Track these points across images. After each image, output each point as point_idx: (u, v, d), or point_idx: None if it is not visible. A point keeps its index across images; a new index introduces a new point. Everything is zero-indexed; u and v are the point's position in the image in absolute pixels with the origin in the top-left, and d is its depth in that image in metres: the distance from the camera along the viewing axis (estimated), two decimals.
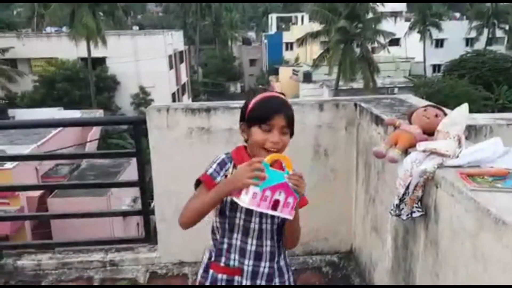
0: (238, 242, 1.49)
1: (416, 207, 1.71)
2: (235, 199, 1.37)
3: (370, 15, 24.45)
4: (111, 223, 11.07)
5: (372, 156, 2.12)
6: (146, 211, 3.01)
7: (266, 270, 1.51)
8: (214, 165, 1.49)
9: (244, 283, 1.49)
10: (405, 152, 1.77)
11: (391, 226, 2.09)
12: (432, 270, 1.69)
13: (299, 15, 48.32)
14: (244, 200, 1.33)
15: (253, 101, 1.48)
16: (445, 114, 1.83)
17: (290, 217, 1.38)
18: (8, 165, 10.85)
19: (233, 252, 1.50)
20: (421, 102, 2.62)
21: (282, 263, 1.56)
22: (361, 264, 2.82)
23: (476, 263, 1.34)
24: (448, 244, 1.54)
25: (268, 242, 1.51)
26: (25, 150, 12.27)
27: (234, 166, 1.47)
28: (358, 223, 2.86)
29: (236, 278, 1.50)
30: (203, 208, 1.46)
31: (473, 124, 2.10)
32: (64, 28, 29.99)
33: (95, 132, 16.93)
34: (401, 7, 45.97)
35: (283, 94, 1.54)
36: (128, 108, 24.97)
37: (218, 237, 1.54)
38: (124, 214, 7.91)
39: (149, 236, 3.04)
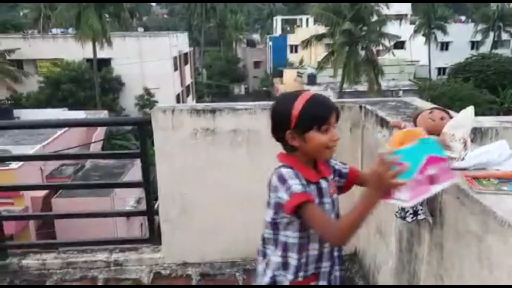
0: (316, 252, 1.47)
1: (421, 209, 1.71)
2: (391, 201, 1.28)
3: (375, 17, 24.43)
4: (115, 223, 11.09)
5: (377, 158, 2.11)
6: (150, 212, 3.02)
7: (335, 260, 1.52)
8: (293, 180, 1.37)
9: (321, 284, 1.49)
10: None
11: (395, 228, 2.09)
12: (436, 273, 1.68)
13: (304, 17, 48.33)
14: (404, 198, 1.24)
15: (300, 105, 1.37)
16: (451, 117, 1.82)
17: (455, 180, 1.31)
18: (13, 165, 10.91)
19: (311, 263, 1.47)
20: (426, 105, 2.62)
21: (338, 253, 1.56)
22: (365, 266, 2.81)
23: (482, 266, 1.33)
24: (453, 247, 1.53)
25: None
26: (30, 150, 12.34)
27: (303, 179, 1.40)
28: (362, 226, 2.85)
29: (312, 283, 1.49)
30: (362, 223, 1.34)
31: (478, 126, 2.10)
32: (70, 30, 30.18)
33: (99, 133, 17.01)
34: (406, 9, 45.89)
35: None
36: (133, 109, 25.06)
37: (292, 253, 1.45)
38: (128, 214, 7.95)
39: (153, 237, 3.05)
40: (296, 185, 1.35)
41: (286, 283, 1.47)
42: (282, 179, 1.38)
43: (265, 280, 1.51)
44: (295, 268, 1.45)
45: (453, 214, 1.52)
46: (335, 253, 1.53)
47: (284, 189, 1.36)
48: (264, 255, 1.54)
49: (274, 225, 1.47)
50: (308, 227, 1.41)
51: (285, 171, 1.39)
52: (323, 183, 1.46)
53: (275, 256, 1.48)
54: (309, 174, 1.42)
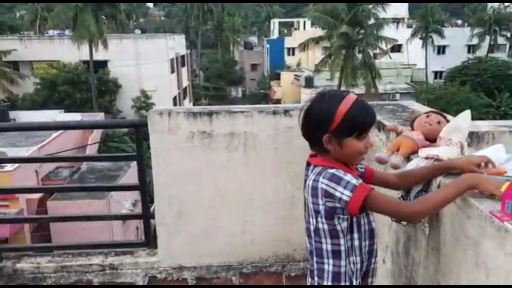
0: (367, 248, 1.44)
1: None
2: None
3: (372, 21, 24.54)
4: (111, 226, 11.05)
5: (373, 162, 2.11)
6: (146, 215, 3.00)
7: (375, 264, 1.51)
8: (348, 176, 1.31)
9: (371, 282, 1.48)
10: (407, 159, 1.77)
11: (392, 232, 2.08)
12: (433, 277, 1.67)
13: (301, 20, 48.49)
14: None
15: (345, 109, 1.31)
16: (448, 121, 1.82)
17: None
18: (9, 167, 10.85)
19: (366, 260, 1.45)
20: (423, 109, 2.62)
21: None
22: None
23: (479, 271, 1.32)
24: (450, 252, 1.53)
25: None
26: (26, 152, 12.29)
27: None
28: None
29: (369, 279, 1.48)
30: (446, 202, 1.35)
31: (475, 130, 2.09)
32: (66, 31, 30.13)
33: (95, 135, 16.95)
34: (404, 13, 46.13)
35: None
36: (129, 112, 25.01)
37: (355, 257, 1.41)
38: (124, 218, 7.91)
39: (149, 240, 3.03)
40: (353, 179, 1.30)
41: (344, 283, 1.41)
42: (336, 179, 1.30)
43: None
44: (363, 272, 1.44)
45: (450, 218, 1.52)
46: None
47: (342, 186, 1.29)
48: (321, 271, 1.43)
49: (332, 234, 1.39)
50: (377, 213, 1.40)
51: (335, 171, 1.32)
52: None
53: (345, 266, 1.40)
54: (352, 174, 1.36)
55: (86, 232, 8.14)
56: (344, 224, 1.37)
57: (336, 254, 1.40)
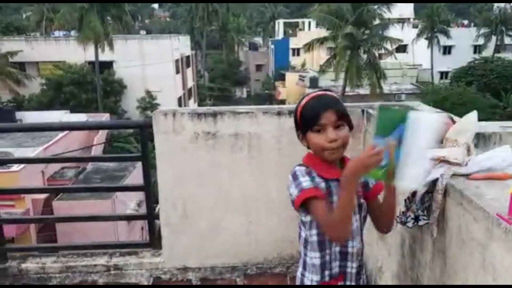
0: (338, 248, 1.45)
1: (422, 215, 1.69)
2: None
3: (377, 21, 24.46)
4: (116, 226, 11.09)
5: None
6: (150, 216, 3.00)
7: (356, 269, 1.50)
8: (304, 177, 1.39)
9: (347, 283, 1.48)
10: None
11: (398, 234, 2.07)
12: (439, 280, 1.66)
13: (306, 21, 48.44)
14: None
15: (300, 106, 1.43)
16: (454, 122, 1.81)
17: None
18: (15, 167, 10.93)
19: (335, 260, 1.46)
20: (429, 109, 2.60)
21: (364, 260, 1.58)
22: (367, 272, 2.79)
23: (485, 274, 1.31)
24: (456, 254, 1.51)
25: (359, 239, 1.50)
26: (32, 152, 12.36)
27: (318, 176, 1.42)
28: (364, 231, 2.83)
29: (340, 283, 1.48)
30: (350, 211, 1.36)
31: (482, 131, 2.08)
32: (72, 32, 30.30)
33: (101, 135, 17.03)
34: (409, 13, 45.95)
35: (329, 90, 1.51)
36: (134, 112, 25.10)
37: (314, 252, 1.46)
38: (129, 218, 7.90)
39: (154, 241, 3.03)
40: (305, 182, 1.38)
41: (308, 283, 1.47)
42: (295, 177, 1.41)
43: (297, 281, 1.53)
44: (320, 267, 1.46)
45: (456, 220, 1.50)
46: (359, 246, 1.50)
47: (295, 185, 1.40)
48: (300, 257, 1.55)
49: (302, 224, 1.49)
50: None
51: (298, 169, 1.42)
52: None
53: (303, 256, 1.50)
54: (325, 171, 1.42)
55: (91, 232, 8.17)
56: (305, 218, 1.46)
57: (304, 244, 1.49)
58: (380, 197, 1.55)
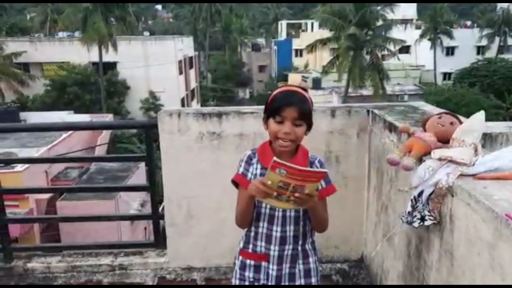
0: (264, 230, 1.61)
1: (428, 215, 1.68)
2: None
3: (380, 22, 24.42)
4: (119, 226, 11.10)
5: (384, 164, 2.09)
6: (155, 216, 3.01)
7: (290, 252, 1.62)
8: (243, 164, 1.63)
9: (270, 267, 1.62)
10: (420, 160, 1.75)
11: (403, 234, 2.06)
12: (446, 280, 1.65)
13: (309, 21, 48.41)
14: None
15: (272, 94, 1.59)
16: (461, 122, 1.80)
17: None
18: (19, 167, 10.97)
19: (259, 240, 1.63)
20: (435, 110, 2.59)
21: (307, 246, 1.66)
22: (372, 272, 2.78)
23: (494, 274, 1.30)
24: (464, 254, 1.51)
25: (292, 228, 1.61)
26: (36, 152, 12.41)
27: (259, 162, 1.61)
28: (369, 231, 2.83)
29: (263, 263, 1.63)
30: (242, 210, 1.60)
31: (488, 132, 2.07)
32: (76, 33, 30.41)
33: (104, 136, 17.07)
34: (412, 14, 45.86)
35: (303, 88, 1.62)
36: (137, 113, 25.17)
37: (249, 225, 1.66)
38: (133, 218, 7.94)
39: (158, 241, 3.03)
40: (241, 167, 1.62)
41: (237, 250, 1.71)
42: (240, 160, 1.65)
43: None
44: (245, 238, 1.68)
45: (464, 220, 1.49)
46: (299, 246, 1.63)
47: (237, 167, 1.65)
48: None
49: None
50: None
51: (246, 154, 1.66)
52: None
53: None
54: (265, 159, 1.57)
55: (94, 232, 8.19)
56: None
57: None
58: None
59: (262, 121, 1.64)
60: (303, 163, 1.55)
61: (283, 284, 1.62)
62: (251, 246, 1.64)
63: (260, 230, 1.61)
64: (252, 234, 1.64)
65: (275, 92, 1.59)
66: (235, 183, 1.64)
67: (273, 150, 1.58)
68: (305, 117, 1.53)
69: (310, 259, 1.66)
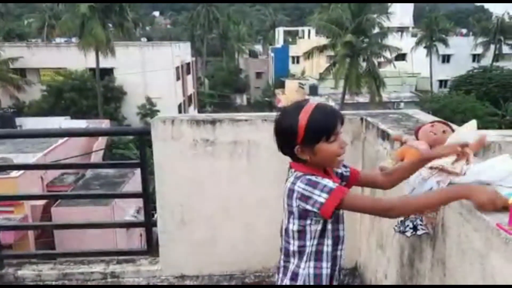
0: (336, 252, 1.46)
1: (420, 224, 1.68)
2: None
3: (377, 30, 24.58)
4: (115, 232, 11.02)
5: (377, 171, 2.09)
6: (148, 223, 2.98)
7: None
8: (325, 180, 1.35)
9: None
10: None
11: (396, 243, 2.05)
12: None
13: (306, 29, 48.67)
14: None
15: (305, 119, 1.34)
16: (453, 130, 1.80)
17: None
18: (14, 173, 10.90)
19: (337, 264, 1.48)
20: (428, 118, 2.59)
21: None
22: (366, 281, 2.76)
23: (485, 284, 1.29)
24: (456, 264, 1.50)
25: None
26: (32, 158, 12.33)
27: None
28: (363, 240, 2.82)
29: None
30: (429, 206, 1.47)
31: None
32: (73, 39, 30.43)
33: (101, 142, 17.00)
34: (408, 22, 46.20)
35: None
36: (134, 119, 25.11)
37: (325, 262, 1.43)
38: (127, 225, 7.88)
39: (151, 248, 3.01)
40: (329, 183, 1.34)
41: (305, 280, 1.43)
42: (313, 183, 1.34)
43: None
44: (328, 277, 1.43)
45: (456, 230, 1.49)
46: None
47: (319, 190, 1.33)
48: (286, 269, 1.46)
49: (301, 235, 1.42)
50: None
51: (310, 177, 1.36)
52: None
53: (304, 269, 1.42)
54: (328, 178, 1.40)
55: (90, 238, 8.12)
56: (315, 227, 1.40)
57: (300, 255, 1.43)
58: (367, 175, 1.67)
59: (296, 153, 1.39)
60: (335, 176, 1.51)
61: None
62: (334, 281, 1.47)
63: (338, 253, 1.47)
64: (336, 267, 1.46)
65: (305, 117, 1.34)
66: (338, 204, 1.35)
67: (320, 171, 1.42)
68: (344, 122, 1.43)
69: None
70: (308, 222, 1.39)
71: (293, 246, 1.44)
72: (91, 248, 3.67)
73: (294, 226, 1.42)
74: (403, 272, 2.02)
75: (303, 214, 1.38)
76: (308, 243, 1.41)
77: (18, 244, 10.50)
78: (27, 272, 2.92)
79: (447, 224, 1.56)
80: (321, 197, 1.32)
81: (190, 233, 2.83)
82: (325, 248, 1.42)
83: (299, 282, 1.42)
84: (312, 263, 1.42)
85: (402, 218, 1.73)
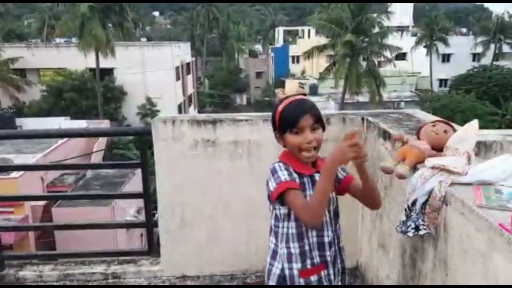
0: (315, 239, 1.55)
1: (422, 224, 1.67)
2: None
3: (377, 29, 24.57)
4: (115, 233, 11.02)
5: (379, 171, 2.09)
6: (149, 223, 2.98)
7: (335, 252, 1.60)
8: (282, 172, 1.50)
9: (331, 273, 1.57)
10: (414, 168, 1.74)
11: (398, 243, 2.05)
12: None
13: (305, 28, 48.67)
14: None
15: (279, 110, 1.54)
16: (454, 130, 1.80)
17: None
18: (14, 173, 10.90)
19: (314, 250, 1.55)
20: (429, 117, 2.59)
21: (341, 244, 1.66)
22: (367, 281, 2.76)
23: (488, 285, 1.29)
24: (458, 264, 1.50)
25: (335, 227, 1.60)
26: (32, 159, 12.34)
27: (294, 170, 1.53)
28: (364, 240, 2.81)
29: (323, 273, 1.56)
30: (327, 196, 1.47)
31: (483, 140, 2.06)
32: (73, 39, 30.42)
33: (101, 142, 17.00)
34: (408, 21, 46.19)
35: (304, 94, 1.63)
36: (134, 119, 25.11)
37: (292, 243, 1.54)
38: (128, 226, 7.87)
39: (152, 249, 3.01)
40: (283, 175, 1.49)
41: (295, 273, 1.53)
42: (274, 172, 1.52)
43: (276, 273, 1.56)
44: (300, 256, 1.54)
45: (458, 230, 1.49)
46: (336, 246, 1.61)
47: (273, 179, 1.51)
48: (270, 248, 1.62)
49: (276, 217, 1.57)
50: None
51: (277, 165, 1.54)
52: (318, 177, 1.53)
53: (280, 248, 1.57)
54: (300, 167, 1.54)
55: (90, 238, 8.10)
56: (281, 211, 1.54)
57: (276, 235, 1.59)
58: (357, 185, 1.68)
59: (276, 139, 1.58)
60: (321, 163, 1.57)
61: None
62: (309, 261, 1.54)
63: (311, 240, 1.54)
64: (306, 248, 1.54)
65: (281, 106, 1.53)
66: (279, 194, 1.49)
67: (299, 159, 1.54)
68: (320, 120, 1.53)
69: (343, 255, 1.67)
70: (276, 206, 1.55)
71: (271, 225, 1.60)
72: (92, 249, 3.67)
73: (270, 207, 1.60)
74: (405, 272, 2.02)
75: (269, 197, 1.55)
76: (280, 224, 1.56)
77: (18, 244, 10.50)
78: (28, 273, 2.92)
79: (449, 224, 1.55)
80: (272, 186, 1.50)
81: (191, 233, 2.82)
82: (291, 230, 1.54)
83: (277, 260, 1.57)
84: (284, 244, 1.55)
85: (404, 218, 1.73)
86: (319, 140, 1.52)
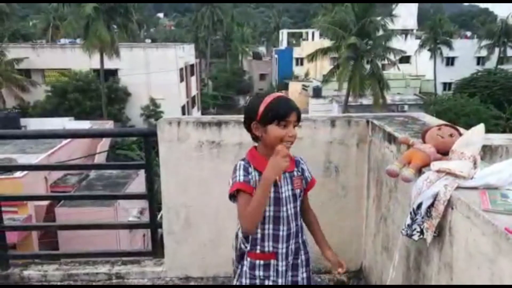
0: (271, 231, 1.69)
1: (427, 228, 1.67)
2: None
3: (381, 32, 24.53)
4: (117, 233, 11.05)
5: (384, 174, 2.09)
6: (153, 224, 2.99)
7: (293, 246, 1.73)
8: (240, 172, 1.64)
9: (279, 264, 1.70)
10: (419, 172, 1.74)
11: (402, 246, 2.05)
12: None
13: (309, 31, 48.71)
14: None
15: (266, 102, 1.63)
16: (460, 134, 1.80)
17: None
18: (18, 173, 10.96)
19: (267, 240, 1.70)
20: (434, 121, 2.59)
21: (304, 238, 1.80)
22: (371, 283, 2.76)
23: (491, 285, 1.29)
24: (463, 268, 1.49)
25: (294, 224, 1.72)
26: (36, 159, 12.40)
27: (255, 169, 1.65)
28: (368, 242, 2.81)
29: (272, 261, 1.71)
30: (262, 207, 1.60)
31: (488, 144, 2.06)
32: (78, 40, 30.56)
33: (104, 142, 17.07)
34: (412, 25, 46.13)
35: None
36: (138, 120, 25.19)
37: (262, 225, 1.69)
38: (132, 226, 7.90)
39: (156, 250, 3.02)
40: (240, 176, 1.63)
41: (245, 250, 1.73)
42: (234, 170, 1.67)
43: (238, 247, 1.77)
44: (252, 240, 1.71)
45: (463, 234, 1.48)
46: (300, 239, 1.76)
47: (231, 178, 1.66)
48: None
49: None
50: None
51: (239, 164, 1.67)
52: (283, 175, 1.68)
53: (240, 232, 1.76)
54: (260, 165, 1.64)
55: (93, 238, 8.14)
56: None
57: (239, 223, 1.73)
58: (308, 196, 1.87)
59: (250, 129, 1.67)
60: (292, 163, 1.72)
61: (289, 274, 1.74)
62: (258, 247, 1.70)
63: (266, 232, 1.68)
64: (259, 236, 1.69)
65: (270, 99, 1.64)
66: (232, 193, 1.65)
67: (264, 156, 1.65)
68: (300, 120, 1.67)
69: (308, 249, 1.81)
70: (232, 201, 1.70)
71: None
72: (97, 249, 3.68)
73: None
74: (409, 275, 2.01)
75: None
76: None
77: (22, 244, 10.54)
78: (33, 273, 2.93)
79: (454, 228, 1.55)
80: (229, 185, 1.66)
81: (195, 234, 2.83)
82: (266, 213, 1.67)
83: (239, 241, 1.76)
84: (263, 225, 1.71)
85: (409, 222, 1.73)
86: (296, 137, 1.65)
